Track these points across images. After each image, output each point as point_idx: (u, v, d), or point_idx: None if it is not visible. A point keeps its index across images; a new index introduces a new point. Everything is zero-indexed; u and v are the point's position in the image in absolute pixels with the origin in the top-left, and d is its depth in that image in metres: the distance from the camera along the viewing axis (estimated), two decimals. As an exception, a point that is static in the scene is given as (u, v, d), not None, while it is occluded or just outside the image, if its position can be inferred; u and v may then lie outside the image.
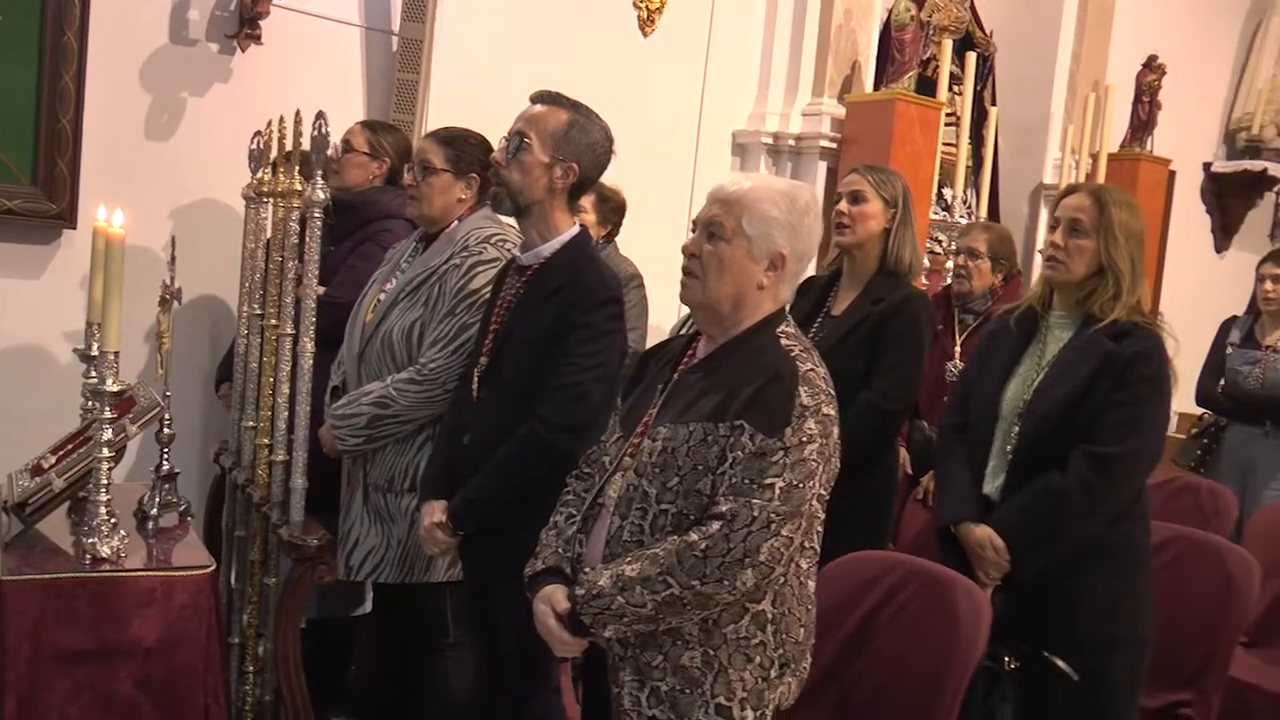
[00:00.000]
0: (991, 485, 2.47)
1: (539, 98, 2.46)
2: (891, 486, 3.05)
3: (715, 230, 1.88)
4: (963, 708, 2.28)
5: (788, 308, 1.99)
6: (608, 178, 3.80)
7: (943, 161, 5.47)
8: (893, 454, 3.02)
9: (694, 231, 1.93)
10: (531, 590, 1.94)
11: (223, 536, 3.38)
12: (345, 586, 3.10)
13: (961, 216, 5.26)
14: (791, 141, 5.15)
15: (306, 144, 2.79)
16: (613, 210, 3.92)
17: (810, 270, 2.62)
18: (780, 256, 1.88)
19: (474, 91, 4.01)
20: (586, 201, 3.84)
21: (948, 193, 5.47)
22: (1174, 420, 6.18)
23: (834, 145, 5.09)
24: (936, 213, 5.48)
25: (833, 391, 1.85)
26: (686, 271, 1.91)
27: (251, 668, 3.02)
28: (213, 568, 2.52)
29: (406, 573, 2.73)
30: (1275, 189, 7.98)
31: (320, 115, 2.68)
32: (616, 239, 4.03)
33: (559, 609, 1.85)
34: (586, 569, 1.88)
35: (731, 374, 1.83)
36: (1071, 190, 2.56)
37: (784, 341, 1.86)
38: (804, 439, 1.75)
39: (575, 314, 2.34)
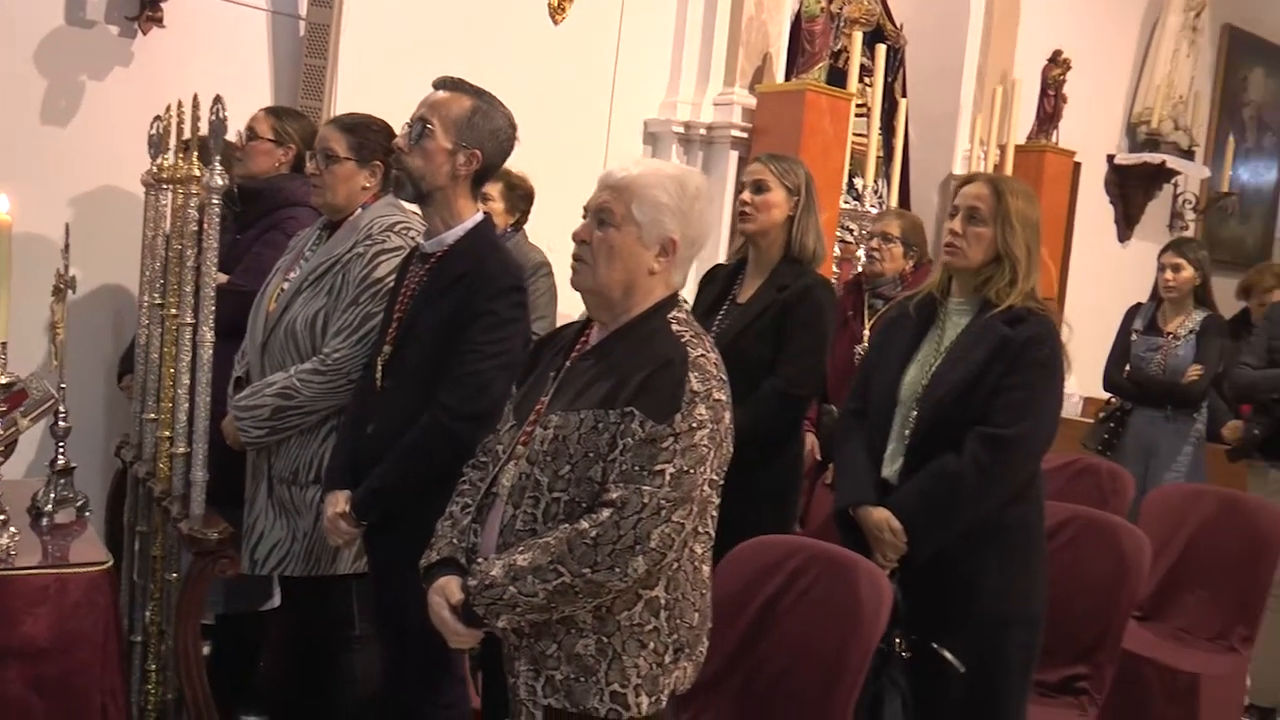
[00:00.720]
0: (890, 468, 2.51)
1: (442, 84, 2.44)
2: (797, 472, 3.08)
3: (605, 217, 1.88)
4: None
5: (681, 293, 1.99)
6: (517, 165, 3.81)
7: (853, 151, 5.54)
8: (798, 439, 3.05)
9: (585, 218, 1.93)
10: (427, 582, 1.93)
11: (124, 532, 3.30)
12: (253, 581, 3.05)
13: (872, 206, 5.34)
14: (703, 131, 5.19)
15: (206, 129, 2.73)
16: (521, 198, 3.91)
17: (720, 258, 2.67)
18: (671, 242, 1.88)
19: (383, 77, 3.97)
20: (494, 190, 3.82)
21: (859, 182, 5.55)
22: (1081, 404, 6.37)
23: (745, 135, 5.14)
24: (847, 202, 5.56)
25: (725, 377, 1.85)
26: (577, 258, 1.91)
27: (154, 666, 2.95)
28: (109, 564, 2.45)
29: (312, 565, 2.70)
30: (1173, 181, 8.22)
31: (218, 99, 2.63)
32: (525, 227, 4.02)
33: (453, 600, 1.84)
34: (479, 559, 1.87)
35: (622, 361, 1.83)
36: (970, 179, 2.60)
37: (675, 327, 1.86)
38: (694, 425, 1.76)
39: (478, 301, 2.33)
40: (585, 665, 1.79)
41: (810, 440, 3.72)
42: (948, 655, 2.35)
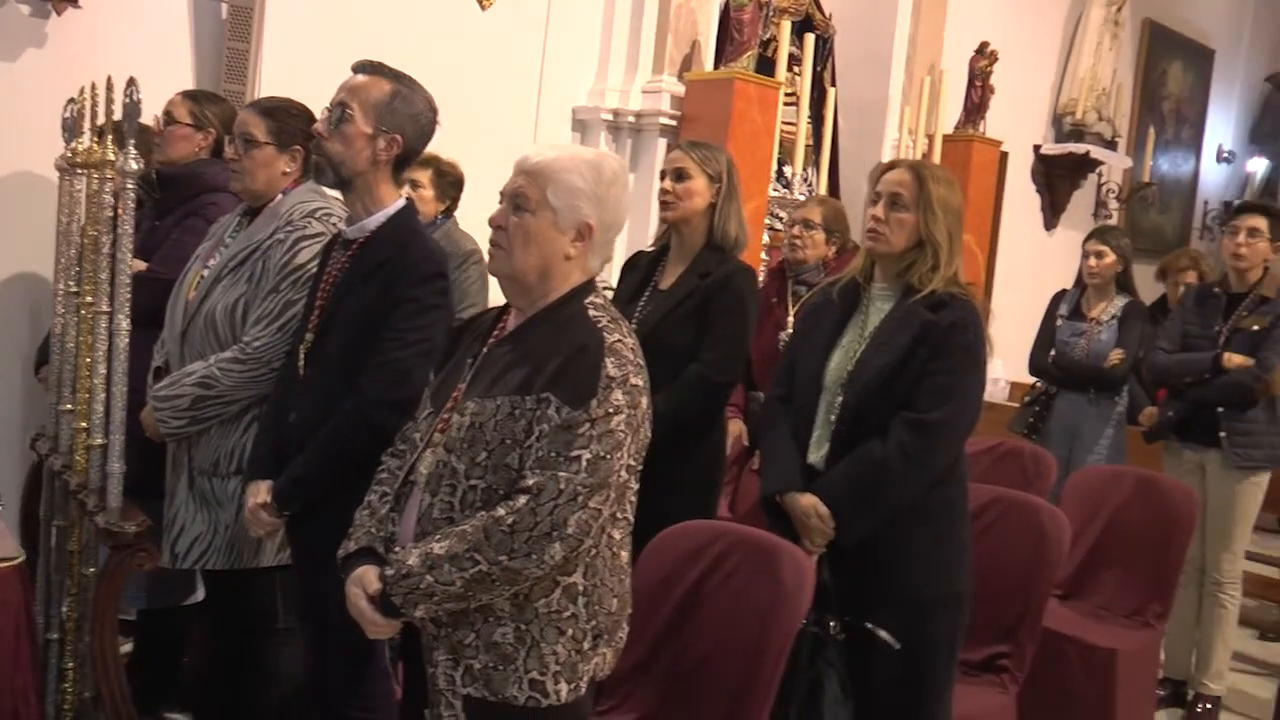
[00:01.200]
0: (816, 454, 2.52)
1: (361, 67, 2.41)
2: (720, 458, 3.09)
3: (521, 202, 1.86)
4: (790, 674, 2.35)
5: (598, 279, 1.99)
6: (445, 152, 3.79)
7: (783, 140, 5.57)
8: (720, 426, 3.06)
9: (501, 203, 1.91)
10: (344, 572, 1.91)
11: (40, 526, 3.22)
12: (176, 575, 3.00)
13: (801, 194, 5.37)
14: (631, 118, 5.19)
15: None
16: (451, 185, 3.88)
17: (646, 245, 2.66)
18: (587, 227, 1.87)
19: (309, 61, 3.90)
20: (424, 177, 3.79)
21: (788, 170, 5.58)
22: (1007, 389, 6.48)
23: (674, 123, 5.14)
24: (776, 190, 5.59)
25: (642, 362, 1.85)
26: (494, 243, 1.90)
27: (71, 664, 2.88)
28: (20, 559, 2.39)
29: (235, 558, 2.66)
30: (1097, 170, 8.40)
31: (132, 81, 2.57)
32: (456, 214, 3.99)
33: (370, 590, 1.83)
34: (396, 549, 1.86)
35: (539, 346, 1.82)
36: (892, 165, 2.60)
37: (592, 313, 1.86)
38: (610, 410, 1.75)
39: (400, 288, 2.31)
40: (504, 653, 1.78)
41: (738, 426, 3.74)
42: (882, 633, 2.38)
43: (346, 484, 2.20)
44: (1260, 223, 3.99)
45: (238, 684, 2.90)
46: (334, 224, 2.59)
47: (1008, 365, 6.40)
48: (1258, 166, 10.75)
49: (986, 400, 5.87)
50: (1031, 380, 4.80)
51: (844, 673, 2.40)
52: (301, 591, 2.49)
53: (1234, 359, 3.93)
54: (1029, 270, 7.29)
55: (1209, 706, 4.08)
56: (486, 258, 1.94)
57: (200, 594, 3.31)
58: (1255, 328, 3.95)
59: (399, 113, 2.36)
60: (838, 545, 2.45)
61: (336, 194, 2.52)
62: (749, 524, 2.63)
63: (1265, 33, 10.79)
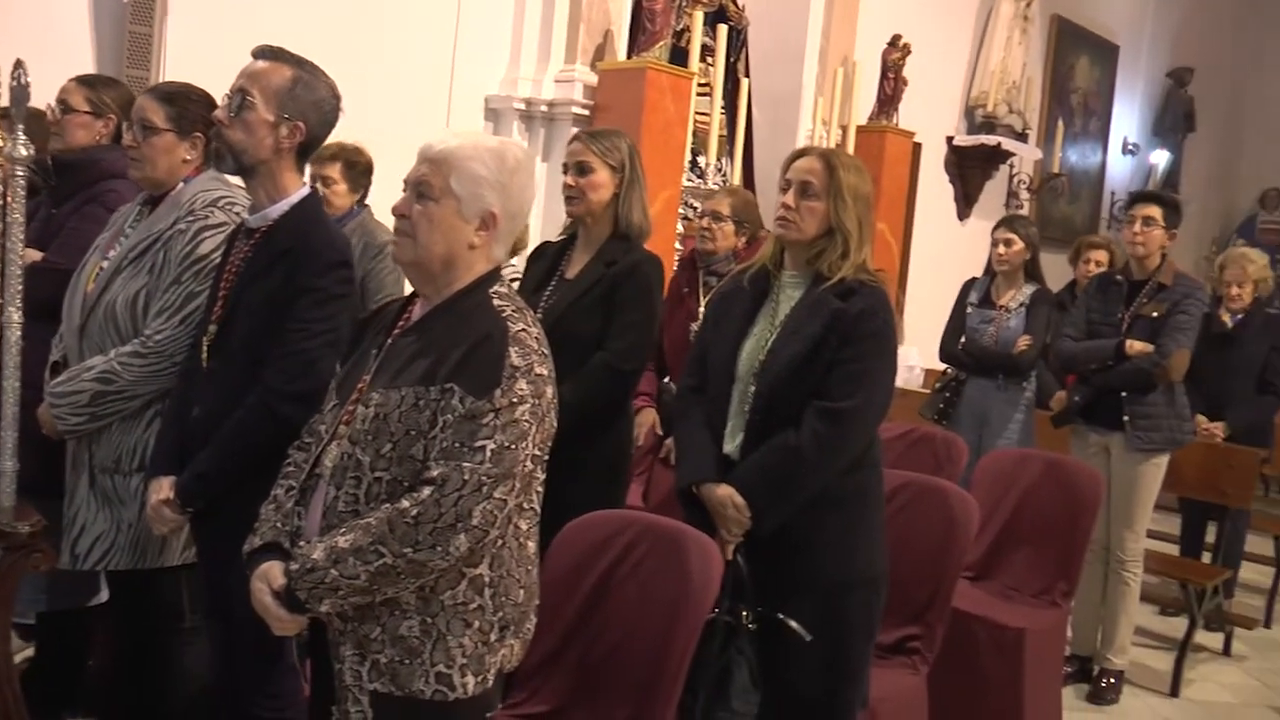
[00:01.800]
0: (731, 444, 2.53)
1: (261, 53, 2.35)
2: (626, 447, 3.08)
3: (424, 190, 1.85)
4: (702, 662, 2.36)
5: (504, 268, 1.97)
6: (356, 142, 3.73)
7: (696, 130, 5.60)
8: (627, 415, 3.05)
9: (405, 191, 1.89)
10: (249, 568, 1.88)
11: (-69, 530, 3.11)
12: (78, 576, 2.91)
13: (716, 184, 5.39)
14: (544, 108, 5.17)
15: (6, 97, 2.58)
16: (362, 173, 3.82)
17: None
18: (491, 215, 1.86)
19: (215, 46, 3.81)
20: (334, 172, 3.74)
21: (702, 160, 5.60)
22: (922, 376, 6.58)
23: (587, 112, 5.14)
24: (691, 180, 5.61)
25: (547, 351, 1.85)
26: (398, 231, 1.88)
27: (-36, 671, 2.79)
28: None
29: (139, 558, 2.59)
30: (1009, 161, 8.57)
31: (19, 64, 2.48)
32: (370, 204, 3.93)
33: (275, 585, 1.80)
34: (301, 543, 1.83)
35: (443, 336, 1.81)
36: (803, 153, 2.61)
37: (496, 302, 1.85)
38: (515, 400, 1.75)
39: (303, 278, 2.27)
40: (410, 647, 1.77)
41: (651, 416, 3.74)
42: (794, 625, 2.40)
43: (252, 479, 2.16)
44: (1154, 211, 4.10)
45: (144, 685, 2.83)
46: (237, 213, 2.54)
47: (922, 352, 6.50)
48: (1160, 159, 11.08)
49: (901, 387, 5.99)
50: (943, 366, 4.88)
51: (754, 662, 2.41)
52: (208, 590, 2.44)
53: (1135, 345, 4.04)
54: (943, 259, 7.42)
55: (1113, 680, 4.20)
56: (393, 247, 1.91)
57: (104, 595, 3.22)
58: (1154, 314, 4.07)
59: (301, 99, 2.32)
60: (754, 534, 2.46)
61: (240, 181, 2.47)
62: (662, 514, 2.64)
63: (1165, 29, 11.13)
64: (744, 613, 2.42)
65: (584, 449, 2.73)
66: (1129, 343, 4.05)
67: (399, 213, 1.87)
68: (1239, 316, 5.10)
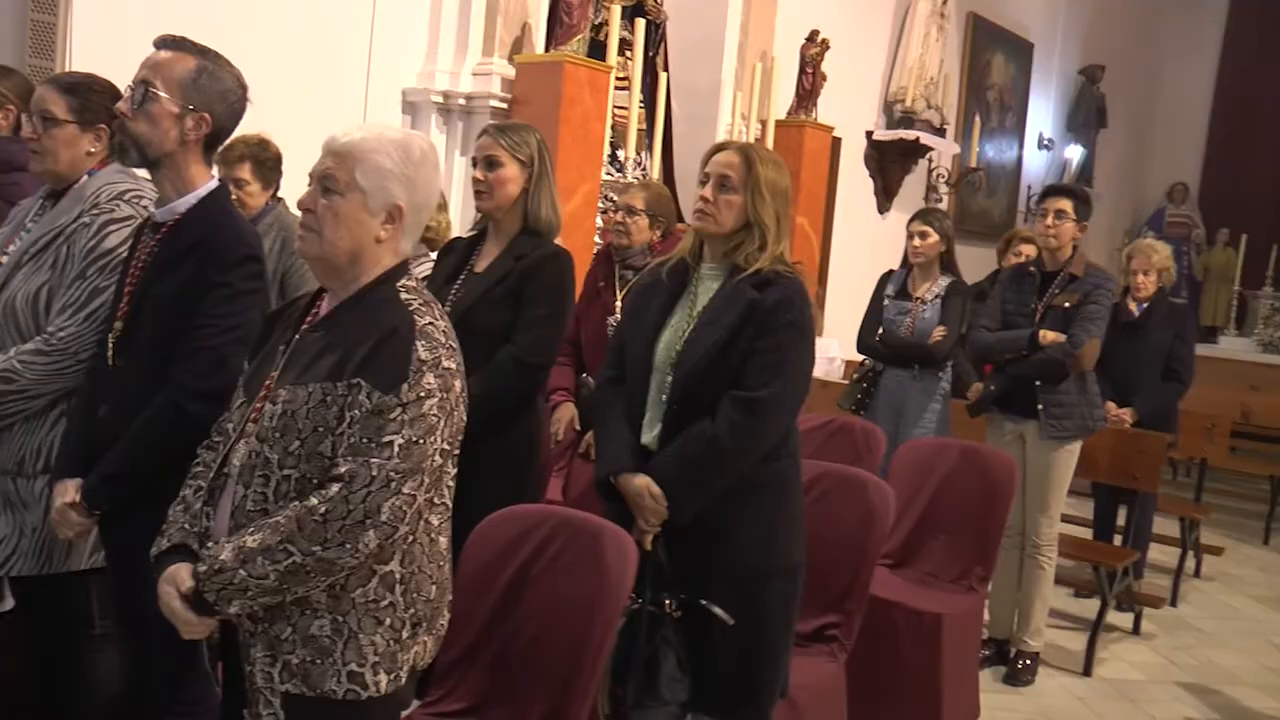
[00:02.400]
0: (649, 435, 2.52)
1: (163, 43, 2.30)
2: (534, 441, 3.05)
3: (329, 184, 1.82)
4: (627, 652, 2.37)
5: (421, 262, 1.95)
6: (271, 136, 3.66)
7: (615, 124, 5.60)
8: (535, 409, 3.03)
9: (310, 185, 1.86)
10: (157, 570, 1.84)
11: None
12: (-22, 583, 2.83)
13: (635, 178, 5.39)
14: (462, 101, 5.13)
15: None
16: (272, 168, 3.75)
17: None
18: (397, 209, 1.84)
19: (123, 36, 3.70)
20: (245, 172, 3.66)
21: (621, 154, 5.60)
22: (842, 367, 6.66)
23: (505, 105, 5.11)
24: (610, 174, 5.61)
25: (455, 345, 1.83)
26: (303, 225, 1.85)
27: None
28: None
29: (44, 562, 2.51)
30: (928, 156, 8.70)
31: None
32: (284, 197, 3.86)
33: (183, 588, 1.76)
34: (210, 544, 1.80)
35: (350, 331, 1.78)
36: (721, 147, 2.61)
37: (404, 296, 1.83)
38: (422, 394, 1.73)
39: (211, 273, 2.22)
40: (321, 646, 1.74)
41: (569, 411, 3.73)
42: (716, 610, 2.40)
43: (161, 479, 2.11)
44: (1066, 204, 4.19)
45: (53, 694, 2.75)
46: (144, 207, 2.48)
47: (843, 344, 6.57)
48: (1074, 154, 11.35)
49: (822, 378, 6.05)
50: (861, 357, 4.94)
51: (681, 650, 2.42)
52: (118, 594, 2.39)
53: (1048, 335, 4.13)
54: (863, 253, 7.50)
55: (1028, 662, 4.30)
56: (298, 241, 1.87)
57: (8, 603, 3.13)
58: (1066, 305, 4.16)
59: (206, 90, 2.27)
60: (673, 524, 2.46)
61: (145, 173, 2.41)
62: (582, 508, 2.63)
63: (1077, 28, 11.41)
64: (668, 601, 2.42)
65: (489, 444, 2.71)
66: (1042, 333, 4.14)
67: (304, 207, 1.84)
68: (1144, 306, 5.23)
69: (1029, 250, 5.43)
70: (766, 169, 2.52)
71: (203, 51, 2.30)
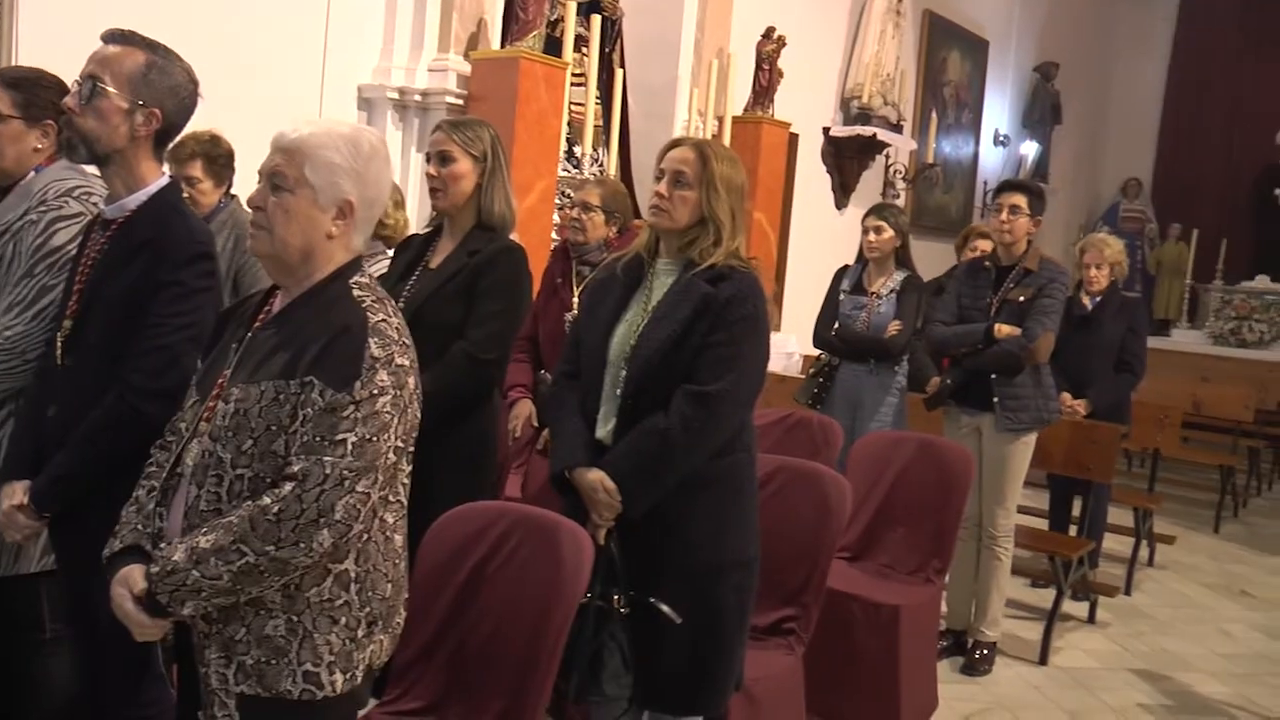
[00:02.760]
0: (604, 429, 2.53)
1: (111, 37, 2.27)
2: (489, 437, 3.04)
3: (279, 181, 1.81)
4: (575, 646, 2.36)
5: (378, 259, 1.94)
6: (226, 134, 3.62)
7: (572, 120, 5.59)
8: (490, 405, 3.02)
9: (260, 182, 1.85)
10: (110, 572, 1.82)
11: None
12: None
13: (592, 174, 5.39)
14: (418, 97, 5.11)
15: None
16: (224, 165, 3.71)
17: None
18: (348, 204, 1.83)
19: (72, 30, 3.64)
20: (196, 171, 3.62)
21: (578, 150, 5.60)
22: (800, 362, 6.69)
23: (461, 102, 5.10)
24: (567, 170, 5.61)
25: (408, 341, 1.83)
26: (254, 224, 1.84)
27: None
28: None
29: (-8, 566, 2.48)
30: (885, 152, 8.76)
31: None
32: (237, 194, 3.82)
33: (136, 590, 1.75)
34: (162, 544, 1.78)
35: (302, 329, 1.77)
36: (677, 144, 2.62)
37: (356, 293, 1.82)
38: (376, 391, 1.72)
39: (163, 271, 2.20)
40: (276, 646, 1.73)
41: (527, 407, 3.72)
42: (664, 609, 2.41)
43: (113, 480, 2.09)
44: (1020, 200, 4.24)
45: (5, 699, 2.71)
46: (94, 204, 2.45)
47: (801, 340, 6.60)
48: (1029, 150, 11.48)
49: (780, 373, 6.08)
50: (818, 352, 4.97)
51: (627, 647, 2.42)
52: (69, 598, 2.36)
53: (1003, 329, 4.17)
54: (821, 248, 7.54)
55: (985, 652, 4.35)
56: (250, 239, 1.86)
57: (-43, 608, 3.09)
58: (1021, 299, 4.21)
59: (156, 85, 2.24)
60: (626, 518, 2.46)
61: (95, 170, 2.38)
62: (540, 504, 2.63)
63: (1031, 25, 11.54)
64: (616, 597, 2.42)
65: (444, 440, 2.70)
66: (997, 326, 4.18)
67: (254, 205, 1.83)
68: (1097, 299, 5.30)
69: (985, 245, 5.48)
70: (721, 165, 2.53)
71: (152, 46, 2.28)
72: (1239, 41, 12.86)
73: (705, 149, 2.56)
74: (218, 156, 3.68)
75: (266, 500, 1.68)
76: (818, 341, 4.81)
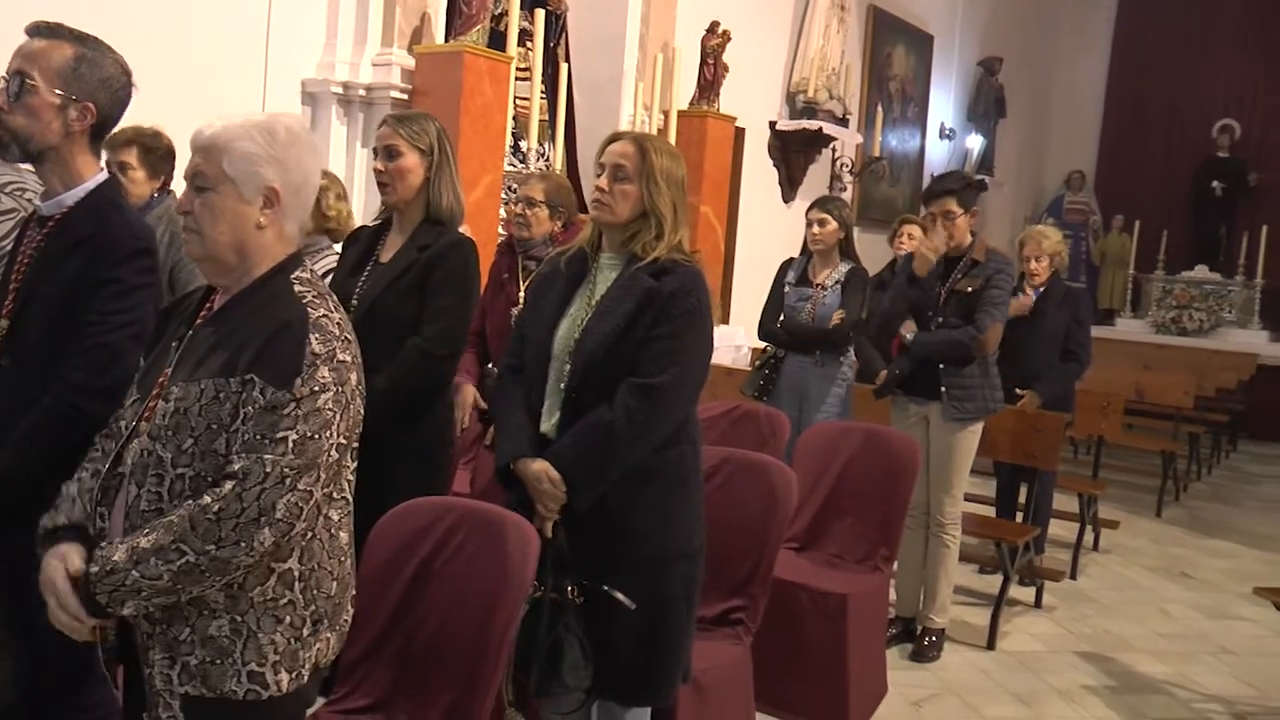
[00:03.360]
0: (548, 423, 2.53)
1: (36, 30, 2.22)
2: (446, 432, 3.06)
3: (200, 181, 1.79)
4: (532, 641, 2.37)
5: (324, 255, 1.92)
6: (168, 130, 3.57)
7: (517, 115, 5.58)
8: (445, 400, 3.04)
9: (186, 186, 1.83)
10: (45, 545, 1.80)
11: None
12: None
13: (539, 169, 5.38)
14: (362, 92, 5.07)
15: None
16: (162, 159, 3.66)
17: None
18: (273, 191, 1.81)
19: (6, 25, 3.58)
20: (130, 157, 3.58)
21: (524, 145, 5.58)
22: (749, 354, 6.72)
23: (405, 96, 5.07)
24: (513, 164, 5.59)
25: (350, 337, 1.81)
26: (185, 229, 1.82)
27: None
28: None
29: (-71, 570, 2.43)
30: (831, 146, 8.81)
31: None
32: (174, 191, 3.77)
33: (72, 569, 1.73)
34: (103, 544, 1.75)
35: (242, 326, 1.76)
36: (616, 138, 2.62)
37: (297, 288, 1.80)
38: (317, 388, 1.71)
39: (102, 268, 2.16)
40: (220, 647, 1.72)
41: (471, 392, 3.71)
42: (619, 595, 2.42)
43: (54, 480, 2.02)
44: (950, 204, 4.26)
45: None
46: (29, 200, 2.41)
47: (749, 332, 6.63)
48: (975, 143, 11.62)
49: (728, 365, 6.10)
50: (763, 344, 5.00)
51: (584, 637, 2.43)
52: (8, 602, 2.29)
53: (918, 251, 4.23)
54: (769, 241, 7.58)
55: (934, 638, 4.40)
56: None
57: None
58: (969, 290, 4.25)
59: (87, 79, 2.20)
60: (572, 510, 2.46)
61: (30, 167, 2.34)
62: (488, 499, 2.62)
63: (975, 21, 11.68)
64: (570, 588, 2.42)
65: (401, 437, 2.71)
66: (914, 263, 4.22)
67: (182, 209, 1.81)
68: (1040, 290, 5.37)
69: (913, 231, 5.55)
70: (661, 158, 2.53)
71: (80, 38, 2.23)
72: (1177, 38, 13.13)
73: (645, 142, 2.56)
74: (155, 148, 3.63)
75: (207, 499, 1.66)
76: (763, 334, 4.84)
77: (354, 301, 2.90)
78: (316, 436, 1.70)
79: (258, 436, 1.67)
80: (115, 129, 2.38)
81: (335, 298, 1.87)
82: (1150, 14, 13.33)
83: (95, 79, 2.21)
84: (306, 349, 1.70)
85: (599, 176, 2.56)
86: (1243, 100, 12.83)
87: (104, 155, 2.83)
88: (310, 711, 2.22)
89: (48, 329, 2.17)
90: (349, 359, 1.78)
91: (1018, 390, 5.15)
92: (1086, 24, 13.62)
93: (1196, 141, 12.90)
